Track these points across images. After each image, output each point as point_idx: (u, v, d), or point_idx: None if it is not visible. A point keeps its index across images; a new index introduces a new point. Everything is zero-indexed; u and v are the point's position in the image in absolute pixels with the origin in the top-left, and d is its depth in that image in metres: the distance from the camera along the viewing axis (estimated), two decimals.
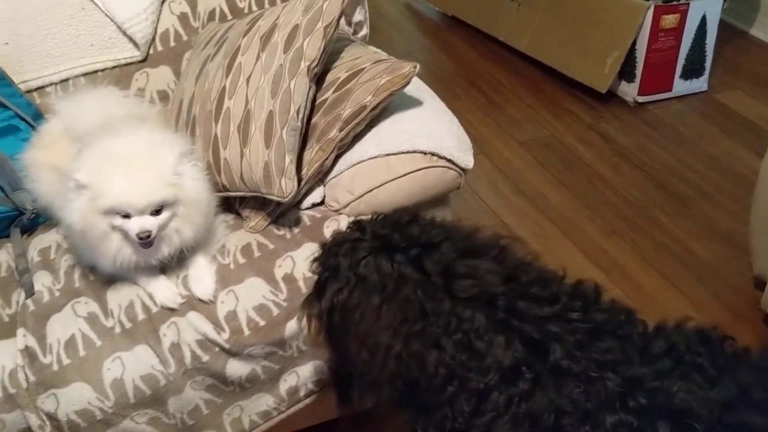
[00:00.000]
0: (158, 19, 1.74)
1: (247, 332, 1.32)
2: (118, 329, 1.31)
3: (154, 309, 1.33)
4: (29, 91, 1.68)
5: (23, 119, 1.59)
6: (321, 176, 1.48)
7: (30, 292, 1.36)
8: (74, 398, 1.26)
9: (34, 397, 1.26)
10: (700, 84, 2.97)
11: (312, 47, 1.38)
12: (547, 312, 0.94)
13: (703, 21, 2.83)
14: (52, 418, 1.26)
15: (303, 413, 1.44)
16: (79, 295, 1.36)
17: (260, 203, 1.45)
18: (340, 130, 1.40)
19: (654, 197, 2.42)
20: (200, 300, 1.34)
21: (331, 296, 1.00)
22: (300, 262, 1.38)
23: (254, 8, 1.76)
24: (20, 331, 1.30)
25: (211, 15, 1.77)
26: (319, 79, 1.45)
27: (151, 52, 1.75)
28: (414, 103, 1.52)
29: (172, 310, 1.33)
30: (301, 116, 1.37)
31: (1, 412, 1.24)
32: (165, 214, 1.28)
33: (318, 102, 1.44)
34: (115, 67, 1.73)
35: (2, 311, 1.35)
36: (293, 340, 1.35)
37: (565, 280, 1.03)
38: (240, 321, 1.32)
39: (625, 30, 2.79)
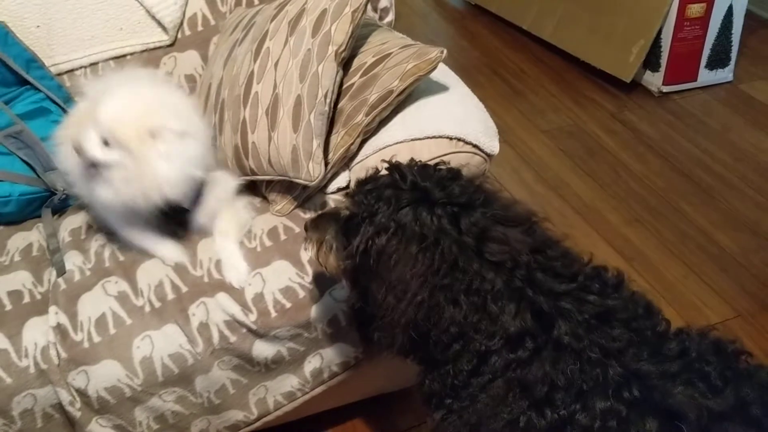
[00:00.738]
0: (186, 4, 1.76)
1: (273, 314, 1.33)
2: (147, 308, 1.33)
3: (184, 289, 1.35)
4: (59, 74, 1.71)
5: (54, 101, 1.62)
6: (347, 161, 1.49)
7: (61, 271, 1.39)
8: (104, 375, 1.29)
9: (65, 373, 1.28)
10: (725, 74, 2.94)
11: (340, 32, 1.38)
12: (563, 288, 0.95)
13: (730, 10, 2.80)
14: (82, 394, 1.29)
15: (327, 395, 1.46)
16: (109, 274, 1.38)
17: (286, 187, 1.47)
18: (367, 114, 1.41)
19: (678, 187, 2.41)
20: (233, 287, 1.35)
21: (367, 239, 1.01)
22: None
23: None
24: (52, 309, 1.32)
25: (238, 0, 1.78)
26: (346, 64, 1.45)
27: (179, 36, 1.77)
28: (440, 88, 1.52)
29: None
30: (328, 101, 1.38)
31: (34, 387, 1.27)
32: (110, 154, 1.28)
33: (345, 87, 1.44)
34: (143, 51, 1.75)
35: (34, 289, 1.37)
36: (318, 322, 1.36)
37: (590, 265, 1.04)
38: (267, 303, 1.34)
39: (651, 19, 2.77)
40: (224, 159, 1.51)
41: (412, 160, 1.12)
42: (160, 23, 1.74)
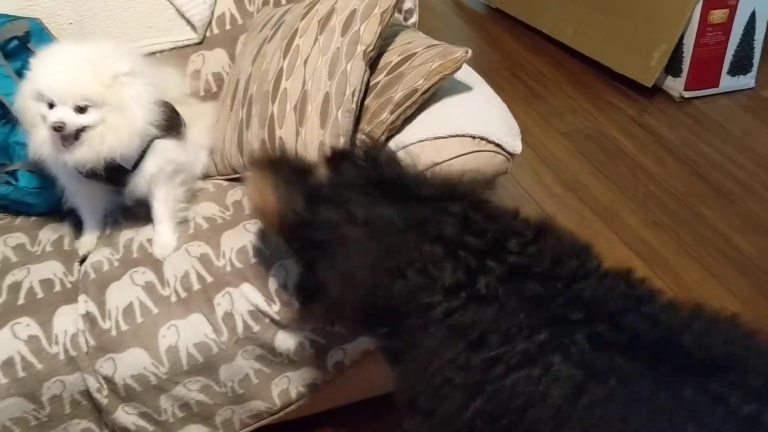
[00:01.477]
0: (215, 3, 1.79)
1: (296, 305, 1.36)
2: (174, 298, 1.36)
3: (209, 279, 1.38)
4: None
5: None
6: None
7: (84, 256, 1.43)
8: (131, 363, 1.32)
9: (93, 360, 1.31)
10: (747, 80, 2.94)
11: (368, 32, 1.41)
12: (485, 247, 1.04)
13: (752, 17, 2.79)
14: (109, 381, 1.32)
15: (348, 387, 1.48)
16: (137, 264, 1.42)
17: None
18: (392, 112, 1.43)
19: (698, 191, 2.41)
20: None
21: (322, 213, 1.08)
22: None
23: None
24: (81, 297, 1.36)
25: (266, 0, 1.82)
26: (372, 64, 1.48)
27: (207, 35, 1.80)
28: (463, 88, 1.54)
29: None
30: (355, 99, 1.41)
31: (63, 373, 1.30)
32: (90, 116, 1.30)
33: (371, 85, 1.47)
34: (172, 48, 1.78)
35: (65, 278, 1.41)
36: None
37: (518, 219, 1.12)
38: (290, 294, 1.36)
39: (673, 24, 2.78)
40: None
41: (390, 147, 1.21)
42: (189, 22, 1.77)
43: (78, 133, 1.31)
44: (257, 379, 1.39)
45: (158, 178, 1.44)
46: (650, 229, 2.26)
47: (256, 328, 1.35)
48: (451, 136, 1.45)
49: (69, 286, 1.39)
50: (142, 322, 1.34)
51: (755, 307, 1.97)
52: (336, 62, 1.42)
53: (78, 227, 1.53)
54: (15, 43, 1.60)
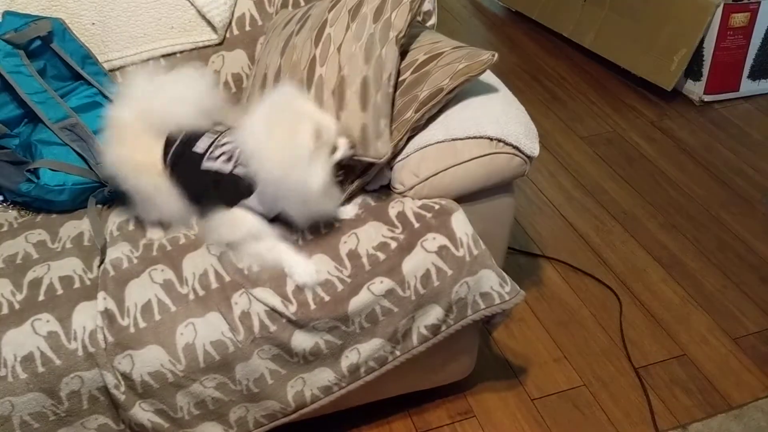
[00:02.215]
0: (235, 4, 1.80)
1: (312, 306, 1.36)
2: (192, 296, 1.37)
3: (227, 278, 1.38)
4: (112, 70, 1.77)
5: (106, 97, 1.67)
6: (391, 157, 1.51)
7: (103, 254, 1.44)
8: (148, 360, 1.33)
9: (111, 357, 1.32)
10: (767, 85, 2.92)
11: (399, 18, 1.44)
12: None
13: None
14: (126, 377, 1.33)
15: (361, 390, 1.48)
16: (156, 263, 1.43)
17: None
18: (416, 111, 1.44)
19: (718, 196, 2.39)
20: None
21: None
22: (364, 239, 1.42)
23: None
24: (101, 294, 1.37)
25: (285, 2, 1.83)
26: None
27: (227, 36, 1.81)
28: (483, 90, 1.54)
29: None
30: (392, 83, 1.43)
31: (81, 369, 1.31)
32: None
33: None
34: (193, 49, 1.80)
35: (84, 275, 1.42)
36: (356, 316, 1.39)
37: None
38: (306, 295, 1.37)
39: (693, 28, 2.76)
40: None
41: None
42: (209, 23, 1.79)
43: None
44: (272, 380, 1.39)
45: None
46: (669, 234, 2.24)
47: (272, 327, 1.35)
48: (469, 138, 1.45)
49: (88, 282, 1.41)
50: (161, 319, 1.34)
51: None
52: (371, 47, 1.43)
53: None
54: (38, 43, 1.62)
